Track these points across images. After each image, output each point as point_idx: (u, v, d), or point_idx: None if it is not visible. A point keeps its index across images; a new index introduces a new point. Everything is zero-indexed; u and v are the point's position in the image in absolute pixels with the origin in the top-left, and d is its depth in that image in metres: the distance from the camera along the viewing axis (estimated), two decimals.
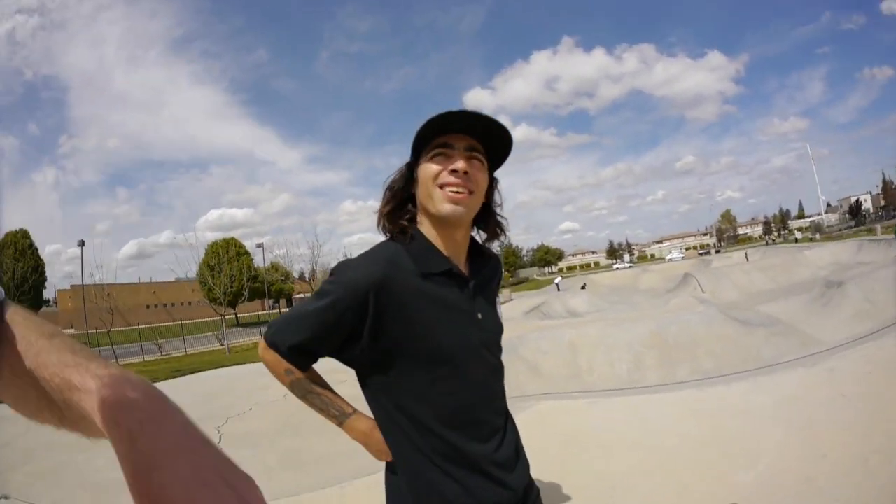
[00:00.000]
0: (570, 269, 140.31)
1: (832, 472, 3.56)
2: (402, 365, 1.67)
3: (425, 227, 1.77)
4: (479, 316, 1.80)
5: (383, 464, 1.86)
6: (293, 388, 1.78)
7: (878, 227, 63.00)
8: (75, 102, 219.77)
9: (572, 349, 14.39)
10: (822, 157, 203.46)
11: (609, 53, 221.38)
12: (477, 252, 1.92)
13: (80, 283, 43.19)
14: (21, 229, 57.88)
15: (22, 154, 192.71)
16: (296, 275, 59.03)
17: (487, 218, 1.88)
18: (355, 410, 1.80)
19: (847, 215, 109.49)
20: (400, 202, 1.78)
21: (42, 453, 7.32)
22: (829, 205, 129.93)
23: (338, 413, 1.79)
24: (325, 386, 1.81)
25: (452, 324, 1.72)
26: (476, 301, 1.81)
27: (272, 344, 1.73)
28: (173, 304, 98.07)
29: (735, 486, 3.68)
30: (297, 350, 1.70)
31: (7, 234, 54.60)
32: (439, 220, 1.73)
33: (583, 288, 50.73)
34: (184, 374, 18.74)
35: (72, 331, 74.71)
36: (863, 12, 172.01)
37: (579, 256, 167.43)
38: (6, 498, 5.38)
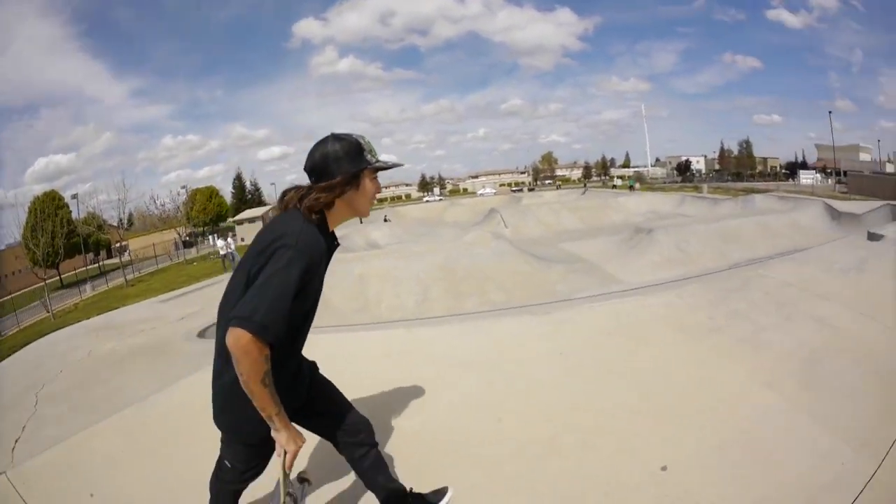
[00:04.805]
0: (381, 201, 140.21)
1: (495, 435, 4.37)
2: (299, 306, 2.58)
3: (335, 212, 2.77)
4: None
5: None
6: (265, 377, 2.42)
7: (704, 186, 69.03)
8: None
9: (361, 282, 16.54)
10: (661, 117, 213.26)
11: None
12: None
13: None
14: None
15: None
16: (114, 223, 56.44)
17: None
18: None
19: (674, 171, 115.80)
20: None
21: None
22: (658, 160, 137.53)
23: (278, 404, 2.52)
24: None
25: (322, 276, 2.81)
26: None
27: (265, 329, 2.36)
28: (6, 276, 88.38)
29: (396, 430, 4.43)
30: (283, 327, 2.46)
31: None
32: (351, 214, 2.82)
33: (385, 220, 52.18)
34: (17, 350, 17.38)
35: None
36: (745, 11, 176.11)
37: (392, 189, 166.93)
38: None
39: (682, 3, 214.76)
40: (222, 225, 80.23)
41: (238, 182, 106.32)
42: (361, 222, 37.32)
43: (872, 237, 11.53)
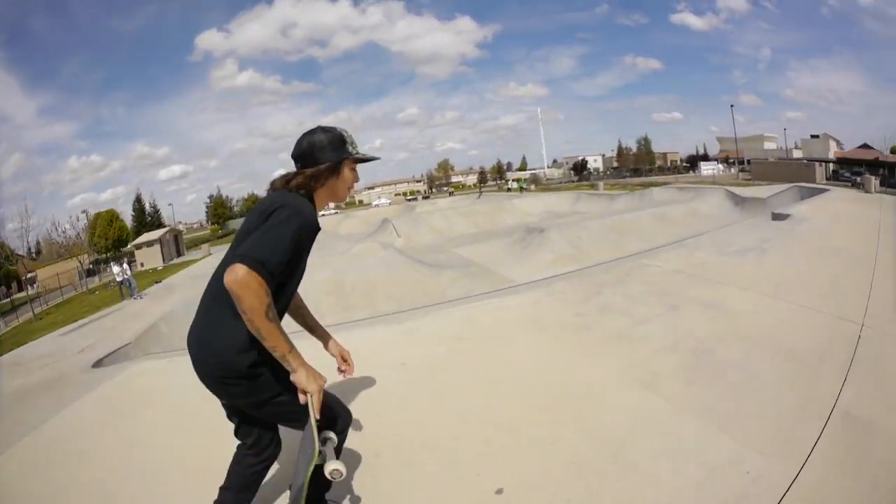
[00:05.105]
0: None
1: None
2: (288, 274, 2.76)
3: (318, 195, 2.97)
4: None
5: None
6: (268, 310, 2.43)
7: (601, 183, 69.74)
8: None
9: None
10: (558, 120, 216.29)
11: (354, 5, 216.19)
12: None
13: None
14: None
15: None
16: (22, 252, 54.64)
17: None
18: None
19: (571, 171, 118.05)
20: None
21: None
22: (555, 161, 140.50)
23: (290, 342, 2.53)
24: None
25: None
26: None
27: (262, 264, 2.42)
28: None
29: (213, 454, 3.98)
30: (278, 268, 2.51)
31: None
32: (331, 199, 3.03)
33: None
34: None
35: None
36: (648, 15, 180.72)
37: None
38: None
39: (583, 9, 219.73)
40: (123, 250, 76.63)
41: (138, 204, 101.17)
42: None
43: (777, 217, 11.77)
